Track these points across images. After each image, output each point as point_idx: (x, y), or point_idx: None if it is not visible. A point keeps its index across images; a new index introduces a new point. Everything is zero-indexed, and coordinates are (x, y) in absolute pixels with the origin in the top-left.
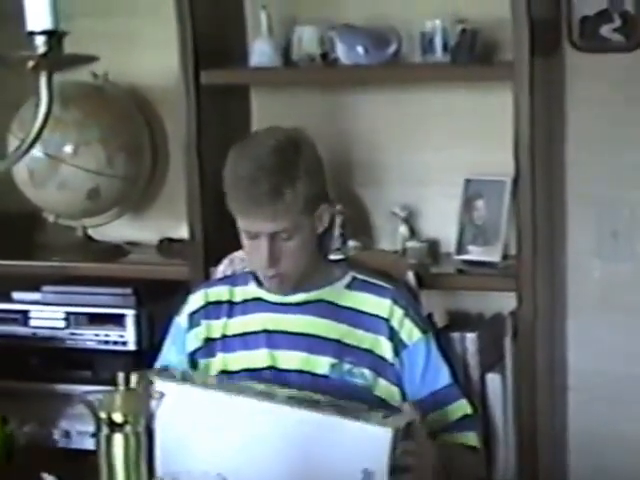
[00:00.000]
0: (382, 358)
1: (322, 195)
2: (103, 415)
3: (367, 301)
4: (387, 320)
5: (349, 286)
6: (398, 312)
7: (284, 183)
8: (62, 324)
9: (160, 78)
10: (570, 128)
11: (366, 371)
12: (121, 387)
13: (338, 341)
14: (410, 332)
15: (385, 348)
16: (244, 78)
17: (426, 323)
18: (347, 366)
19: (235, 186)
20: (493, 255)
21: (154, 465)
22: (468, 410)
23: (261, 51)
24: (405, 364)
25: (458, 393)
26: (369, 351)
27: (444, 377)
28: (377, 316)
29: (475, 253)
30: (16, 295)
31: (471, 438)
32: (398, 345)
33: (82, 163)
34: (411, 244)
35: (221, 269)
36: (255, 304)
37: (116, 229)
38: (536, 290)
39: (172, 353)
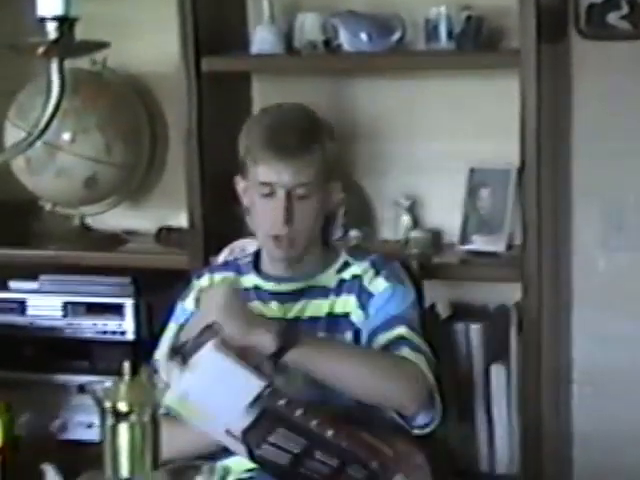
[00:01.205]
0: (352, 323)
1: (335, 170)
2: (108, 405)
3: (349, 269)
4: (360, 277)
5: (339, 271)
6: (371, 272)
7: (313, 137)
8: (60, 313)
9: (160, 65)
10: (577, 116)
11: (348, 335)
12: (126, 376)
13: (328, 314)
14: (378, 284)
15: (353, 308)
16: (246, 65)
17: (399, 279)
18: (338, 336)
19: (263, 134)
20: (497, 245)
21: (159, 455)
22: (404, 334)
23: (263, 38)
24: (369, 310)
25: (403, 323)
26: (345, 315)
27: (396, 309)
28: (354, 276)
29: (479, 243)
30: (13, 284)
31: (404, 352)
32: (363, 297)
33: (80, 151)
34: (414, 234)
35: (221, 258)
36: (253, 293)
37: (114, 218)
38: (541, 281)
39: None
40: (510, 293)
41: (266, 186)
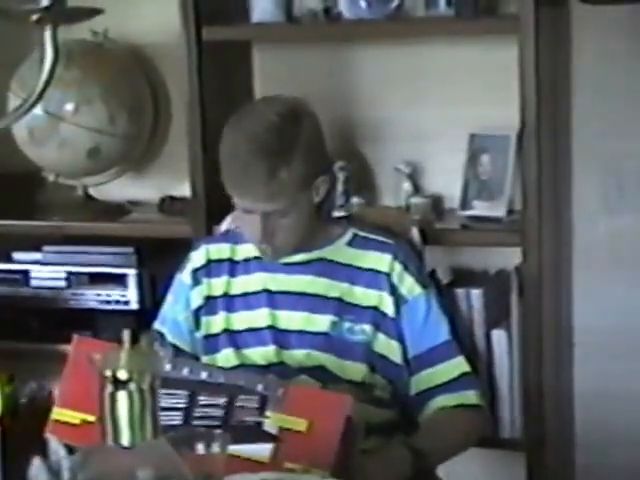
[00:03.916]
0: (384, 314)
1: (320, 168)
2: (108, 373)
3: (368, 257)
4: (388, 275)
5: (350, 243)
6: (398, 267)
7: (280, 164)
8: (63, 284)
9: (161, 35)
10: (576, 81)
11: (367, 327)
12: (126, 345)
13: (339, 299)
14: (410, 287)
15: (387, 303)
16: (246, 34)
17: (426, 279)
18: (347, 324)
19: (229, 165)
20: (498, 210)
21: (159, 423)
22: (465, 368)
23: (263, 7)
24: (405, 318)
25: (456, 350)
26: (372, 308)
27: (443, 333)
28: (378, 272)
29: (480, 208)
30: (17, 255)
31: (471, 397)
32: (398, 300)
33: (83, 121)
34: (415, 200)
35: (224, 227)
36: (256, 263)
37: (117, 188)
38: (541, 245)
39: (177, 311)
40: (511, 258)
41: (242, 208)
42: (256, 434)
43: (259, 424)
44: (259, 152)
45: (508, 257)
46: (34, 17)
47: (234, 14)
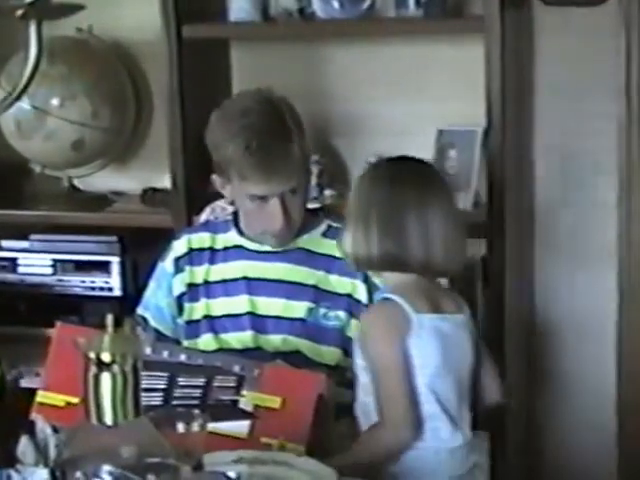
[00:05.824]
0: (357, 301)
1: (308, 146)
2: (92, 355)
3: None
4: None
5: (325, 234)
6: None
7: (288, 142)
8: (49, 271)
9: (143, 32)
10: (539, 80)
11: (341, 313)
12: (109, 329)
13: (315, 287)
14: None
15: (361, 291)
16: (224, 32)
17: None
18: (323, 310)
19: (248, 160)
20: (464, 203)
21: (141, 403)
22: None
23: (240, 6)
24: None
25: None
26: (346, 295)
27: None
28: None
29: None
30: (5, 243)
31: None
32: (371, 287)
33: (68, 115)
34: None
35: (203, 217)
36: (236, 251)
37: (101, 179)
38: (505, 237)
39: (160, 297)
40: (476, 248)
41: (256, 196)
42: (232, 412)
43: (235, 402)
44: (270, 137)
45: (474, 248)
46: (19, 12)
47: (213, 13)
